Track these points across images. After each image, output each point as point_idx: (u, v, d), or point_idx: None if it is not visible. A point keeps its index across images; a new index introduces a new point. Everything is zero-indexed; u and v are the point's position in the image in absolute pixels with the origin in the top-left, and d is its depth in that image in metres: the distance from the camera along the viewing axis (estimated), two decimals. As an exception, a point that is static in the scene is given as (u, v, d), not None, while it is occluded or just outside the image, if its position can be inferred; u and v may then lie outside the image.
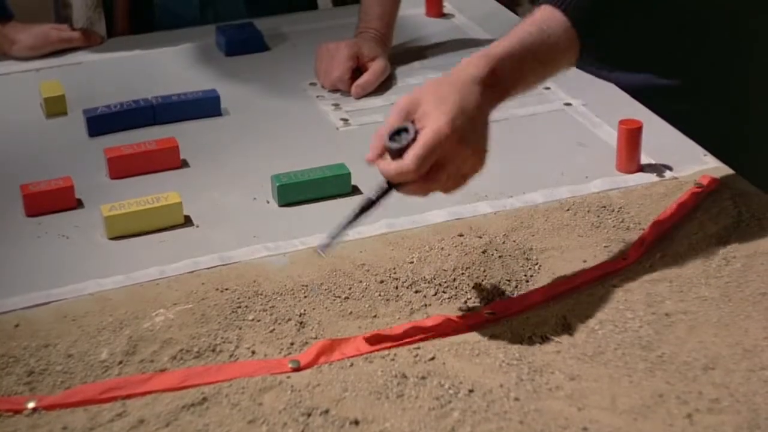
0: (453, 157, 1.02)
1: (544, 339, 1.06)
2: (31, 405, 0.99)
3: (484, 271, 1.15)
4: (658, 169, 1.33)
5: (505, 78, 1.08)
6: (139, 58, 1.70)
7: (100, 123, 1.44)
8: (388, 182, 1.04)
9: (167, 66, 1.67)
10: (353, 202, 1.28)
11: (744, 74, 1.47)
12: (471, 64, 1.08)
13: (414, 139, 1.01)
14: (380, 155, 1.04)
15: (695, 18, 1.43)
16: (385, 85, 1.56)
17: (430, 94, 1.04)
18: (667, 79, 1.48)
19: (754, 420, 0.94)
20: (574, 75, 1.58)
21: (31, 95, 1.57)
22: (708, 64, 1.46)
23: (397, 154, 1.02)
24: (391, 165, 1.03)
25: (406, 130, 1.03)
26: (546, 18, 1.13)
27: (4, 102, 1.58)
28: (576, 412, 0.96)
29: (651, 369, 1.01)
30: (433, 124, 1.01)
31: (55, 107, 1.50)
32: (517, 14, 1.83)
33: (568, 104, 1.50)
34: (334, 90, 1.55)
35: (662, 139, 1.39)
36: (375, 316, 1.10)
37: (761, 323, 1.07)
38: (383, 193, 1.06)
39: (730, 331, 1.06)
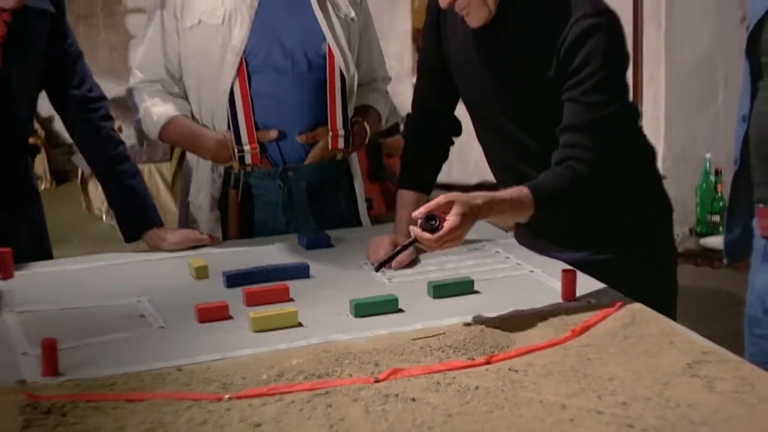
0: (454, 240, 1.98)
1: (518, 369, 1.84)
2: (227, 396, 1.76)
3: (482, 341, 1.95)
4: (588, 299, 2.14)
5: (492, 211, 2.05)
6: (248, 251, 2.54)
7: (234, 279, 2.26)
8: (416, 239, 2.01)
9: (268, 255, 2.50)
10: (399, 318, 2.10)
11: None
12: (479, 197, 2.01)
13: (440, 226, 1.98)
14: (415, 223, 2.00)
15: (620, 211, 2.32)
16: (413, 262, 2.39)
17: (455, 209, 2.00)
18: (599, 255, 2.33)
19: (634, 398, 1.72)
20: (536, 257, 2.43)
21: (182, 270, 2.40)
22: (625, 244, 2.33)
23: (428, 229, 1.98)
24: (424, 235, 1.99)
25: (435, 219, 1.99)
26: (526, 194, 2.08)
27: (164, 273, 2.40)
28: (536, 395, 1.73)
29: (578, 380, 1.79)
30: (452, 225, 1.98)
31: (202, 272, 2.33)
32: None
33: (532, 271, 2.33)
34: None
35: (590, 286, 2.22)
36: (419, 363, 1.88)
37: (644, 363, 1.85)
38: (411, 243, 2.04)
39: (626, 366, 1.85)
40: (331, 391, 1.77)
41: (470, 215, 2.01)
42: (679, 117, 5.60)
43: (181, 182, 5.02)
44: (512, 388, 1.77)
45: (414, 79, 5.92)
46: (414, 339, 1.96)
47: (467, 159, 5.66)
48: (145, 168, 6.49)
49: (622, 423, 1.65)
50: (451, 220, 1.98)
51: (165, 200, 6.35)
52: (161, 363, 1.89)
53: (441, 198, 2.00)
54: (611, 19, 2.23)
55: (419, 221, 2.00)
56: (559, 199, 2.16)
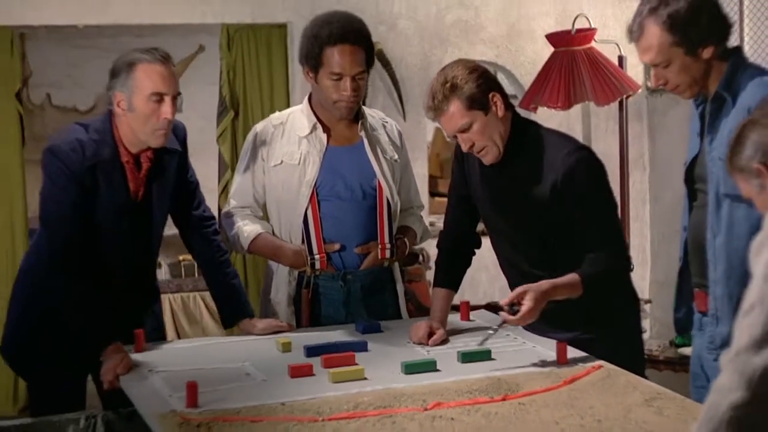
0: (530, 317, 2.78)
1: (525, 403, 2.60)
2: (321, 419, 2.52)
3: (498, 386, 2.71)
4: (576, 361, 2.91)
5: (555, 294, 2.87)
6: (317, 334, 3.29)
7: (312, 350, 3.02)
8: (503, 322, 2.83)
9: (333, 337, 3.26)
10: (437, 375, 2.86)
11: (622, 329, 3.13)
12: (545, 285, 2.86)
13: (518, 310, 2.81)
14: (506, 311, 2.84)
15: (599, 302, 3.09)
16: (444, 341, 3.16)
17: (528, 296, 2.83)
18: (585, 335, 3.09)
19: (607, 419, 2.48)
20: (538, 338, 3.19)
21: (270, 347, 3.17)
22: (604, 327, 3.10)
23: (512, 313, 2.81)
24: (509, 318, 2.82)
25: (518, 303, 2.81)
26: (577, 279, 2.90)
27: (257, 348, 3.17)
28: (537, 417, 2.49)
29: (567, 408, 2.55)
30: (527, 308, 2.82)
31: (286, 347, 3.10)
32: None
33: (535, 346, 3.10)
34: (419, 343, 3.15)
35: (578, 356, 2.98)
36: (455, 400, 2.64)
37: (614, 399, 2.61)
38: (501, 325, 2.85)
39: (601, 401, 2.60)
40: (393, 415, 2.53)
41: (540, 299, 2.89)
42: (661, 248, 6.40)
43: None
44: (521, 413, 2.53)
45: (429, 217, 6.75)
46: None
47: (477, 288, 6.45)
48: (190, 296, 7.29)
49: (597, 430, 2.41)
50: (526, 305, 2.86)
51: (207, 324, 7.10)
52: (269, 400, 2.65)
53: (519, 289, 2.89)
54: (589, 151, 3.12)
55: (505, 308, 2.88)
56: (597, 283, 3.00)
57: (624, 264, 3.11)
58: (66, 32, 6.65)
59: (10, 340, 3.40)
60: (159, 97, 3.08)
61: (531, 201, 3.06)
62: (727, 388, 1.86)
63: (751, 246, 1.94)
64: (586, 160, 3.04)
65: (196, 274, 7.56)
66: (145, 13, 5.96)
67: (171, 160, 3.28)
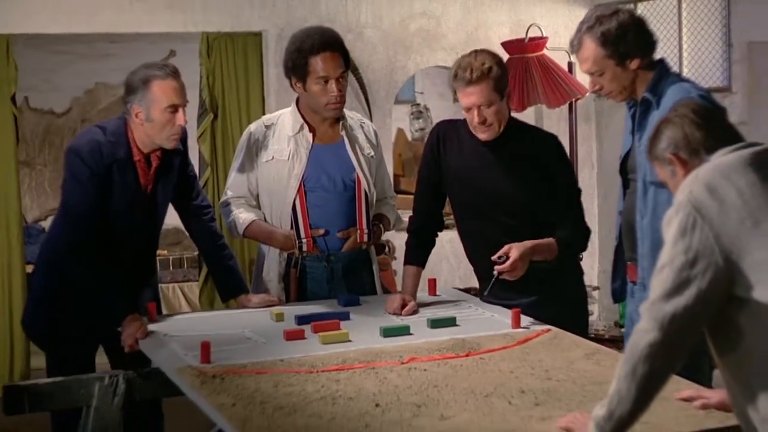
0: (518, 266, 3.34)
1: (484, 358, 3.11)
2: (316, 370, 3.01)
3: (462, 346, 3.21)
4: (528, 326, 3.42)
5: (536, 250, 3.42)
6: (304, 308, 3.77)
7: (302, 319, 3.51)
8: (499, 273, 3.36)
9: (318, 310, 3.75)
10: (410, 337, 3.36)
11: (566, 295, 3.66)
12: (529, 243, 3.41)
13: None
14: (496, 264, 3.39)
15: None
16: (415, 312, 3.65)
17: (513, 250, 3.38)
18: (539, 300, 3.61)
19: (553, 368, 2.99)
20: (495, 308, 3.71)
21: (264, 317, 3.65)
22: (554, 291, 3.62)
23: (501, 263, 3.36)
24: (501, 267, 3.35)
25: (505, 257, 3.34)
26: (553, 242, 3.45)
27: (254, 319, 3.65)
28: (496, 368, 3.00)
29: (520, 361, 3.06)
30: (513, 257, 3.39)
31: (279, 317, 3.58)
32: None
33: (493, 315, 3.61)
34: (394, 313, 3.64)
35: (530, 321, 3.49)
36: (427, 356, 3.14)
37: (559, 354, 3.13)
38: (498, 276, 3.40)
39: (549, 355, 3.11)
40: (376, 368, 3.02)
41: (524, 254, 3.44)
42: (609, 241, 6.91)
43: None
44: (482, 365, 3.04)
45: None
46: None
47: (439, 277, 6.93)
48: (169, 287, 7.73)
49: (545, 377, 2.92)
50: (512, 255, 3.42)
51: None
52: (270, 357, 3.14)
53: (505, 246, 3.43)
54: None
55: (496, 260, 3.44)
56: (569, 248, 3.61)
57: (586, 234, 3.72)
58: (44, 38, 7.02)
59: (30, 316, 3.87)
60: (174, 109, 3.55)
61: (519, 177, 3.61)
62: (644, 330, 2.37)
63: (663, 220, 2.44)
64: (560, 143, 3.76)
65: (171, 267, 8.03)
66: (131, 23, 6.41)
67: (175, 158, 3.75)
